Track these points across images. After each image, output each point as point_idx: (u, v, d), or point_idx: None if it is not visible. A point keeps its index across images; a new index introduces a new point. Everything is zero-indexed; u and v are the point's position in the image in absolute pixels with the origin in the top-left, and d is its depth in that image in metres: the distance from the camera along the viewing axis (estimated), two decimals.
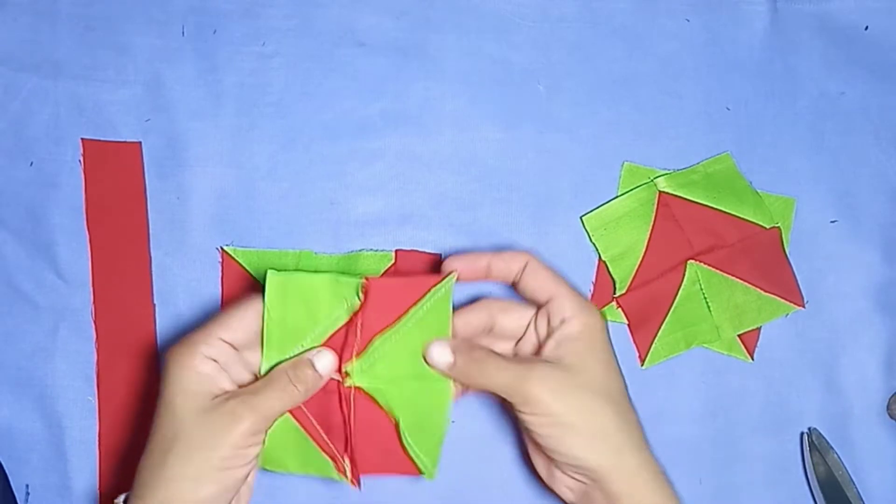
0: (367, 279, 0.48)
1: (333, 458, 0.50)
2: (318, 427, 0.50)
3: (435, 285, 0.49)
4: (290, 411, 0.49)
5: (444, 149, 0.60)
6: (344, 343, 0.49)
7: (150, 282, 0.59)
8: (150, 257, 0.59)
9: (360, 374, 0.49)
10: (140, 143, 0.60)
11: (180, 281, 0.60)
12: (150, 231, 0.60)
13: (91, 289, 0.59)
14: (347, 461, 0.50)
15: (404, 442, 0.50)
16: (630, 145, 0.61)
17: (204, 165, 0.60)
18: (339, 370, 0.49)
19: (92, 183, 0.59)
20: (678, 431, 0.60)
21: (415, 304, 0.49)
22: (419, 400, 0.49)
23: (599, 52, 0.61)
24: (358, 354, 0.49)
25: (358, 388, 0.49)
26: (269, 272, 0.48)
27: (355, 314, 0.48)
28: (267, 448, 0.49)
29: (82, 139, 0.59)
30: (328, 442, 0.50)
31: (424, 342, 0.49)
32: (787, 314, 0.61)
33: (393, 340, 0.49)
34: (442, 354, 0.48)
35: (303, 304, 0.48)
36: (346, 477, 0.50)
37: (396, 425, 0.50)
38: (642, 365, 0.60)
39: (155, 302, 0.60)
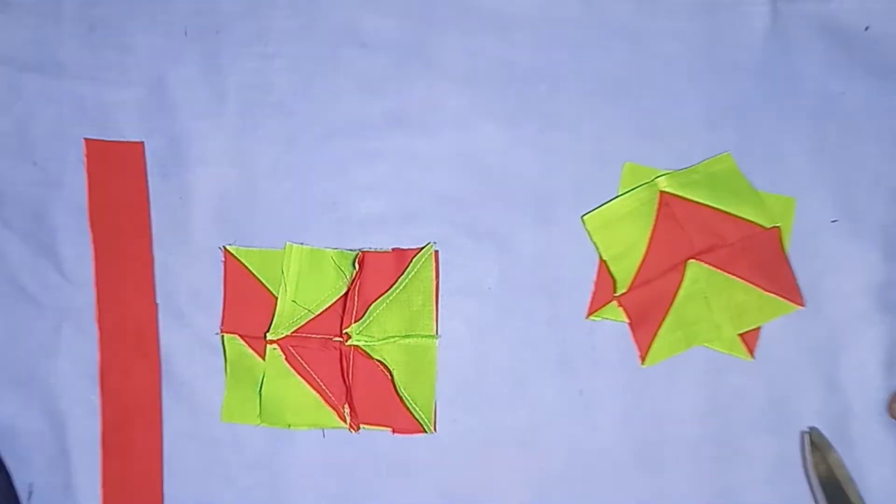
0: (362, 252, 0.58)
1: (335, 409, 0.58)
2: (321, 382, 0.58)
3: (416, 255, 0.57)
4: (296, 370, 0.58)
5: (445, 148, 0.60)
6: (344, 309, 0.57)
7: (152, 281, 0.59)
8: (153, 257, 0.59)
9: (358, 335, 0.57)
10: (143, 142, 0.60)
11: (183, 280, 0.60)
12: (153, 231, 0.60)
13: (94, 288, 0.59)
14: (347, 409, 0.57)
15: (400, 394, 0.58)
16: (631, 145, 0.61)
17: (206, 165, 0.60)
18: (341, 333, 0.57)
19: (95, 182, 0.59)
20: (678, 430, 0.60)
21: (402, 272, 0.57)
22: (409, 356, 0.58)
23: (601, 52, 0.61)
24: (356, 318, 0.57)
25: (356, 347, 0.57)
26: (288, 243, 0.58)
27: (353, 283, 0.57)
28: (266, 404, 0.58)
29: (85, 139, 0.59)
30: (330, 395, 0.58)
31: (411, 305, 0.58)
32: (787, 314, 0.60)
33: (385, 305, 0.58)
34: None
35: (312, 273, 0.58)
36: (346, 423, 0.58)
37: (391, 379, 0.57)
38: (643, 363, 0.60)
39: (157, 301, 0.60)
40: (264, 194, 0.60)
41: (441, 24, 0.61)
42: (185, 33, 0.60)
